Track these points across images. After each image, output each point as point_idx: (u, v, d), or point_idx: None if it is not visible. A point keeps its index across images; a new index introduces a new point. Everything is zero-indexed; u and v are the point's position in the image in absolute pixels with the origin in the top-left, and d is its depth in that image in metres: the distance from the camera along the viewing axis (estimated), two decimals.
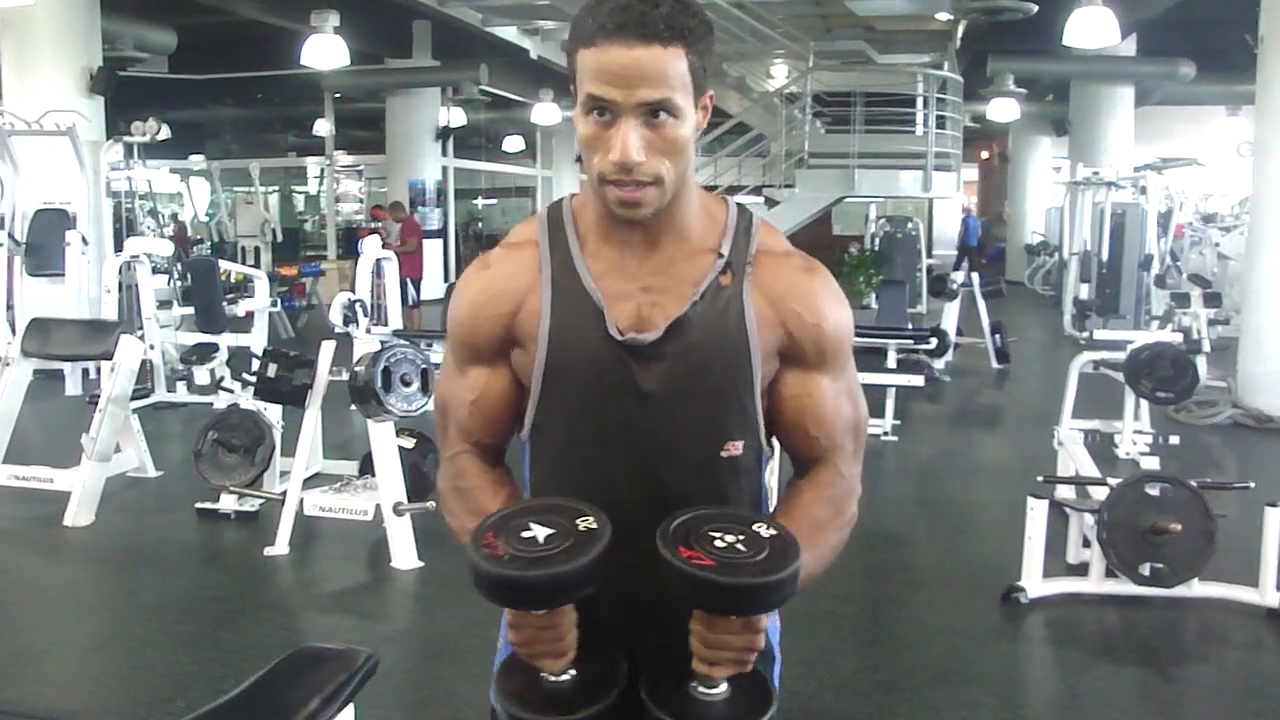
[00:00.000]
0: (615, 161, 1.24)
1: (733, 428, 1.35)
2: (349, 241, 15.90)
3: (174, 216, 14.94)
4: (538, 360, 1.34)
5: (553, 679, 1.29)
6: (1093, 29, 9.34)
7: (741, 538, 1.23)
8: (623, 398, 1.32)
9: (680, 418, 1.33)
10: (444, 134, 16.34)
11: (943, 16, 13.40)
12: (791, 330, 1.35)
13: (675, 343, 1.31)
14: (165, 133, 9.84)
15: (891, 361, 8.31)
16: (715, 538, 1.23)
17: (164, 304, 8.39)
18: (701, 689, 1.27)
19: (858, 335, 6.60)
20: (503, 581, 1.21)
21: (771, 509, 1.45)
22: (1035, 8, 10.43)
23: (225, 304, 8.79)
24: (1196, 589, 3.94)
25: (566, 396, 1.35)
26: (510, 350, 1.39)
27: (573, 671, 1.29)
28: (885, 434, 6.85)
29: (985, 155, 25.23)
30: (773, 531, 1.26)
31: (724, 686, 1.27)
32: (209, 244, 13.42)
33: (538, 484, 1.42)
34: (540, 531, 1.24)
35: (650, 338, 1.31)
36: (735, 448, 1.35)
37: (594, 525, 1.25)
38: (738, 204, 1.42)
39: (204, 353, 7.98)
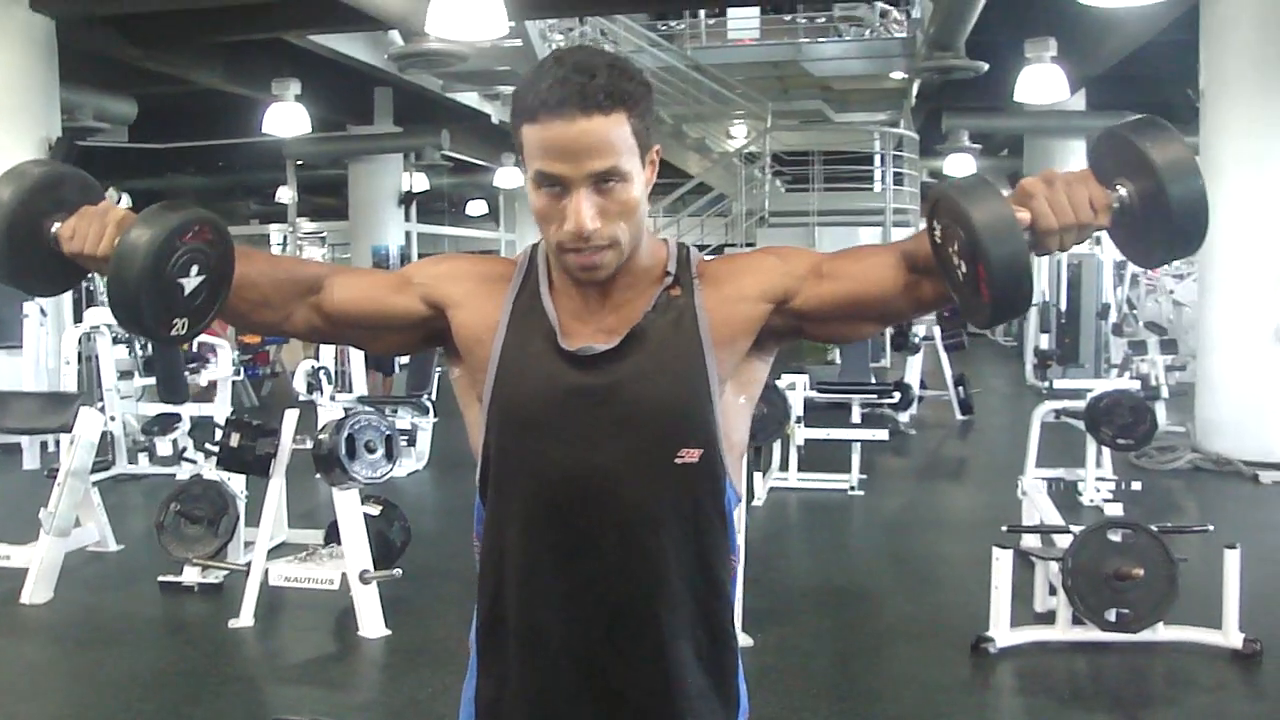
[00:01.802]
0: (571, 232, 1.28)
1: (687, 435, 1.35)
2: None
3: None
4: (489, 372, 1.37)
5: (50, 233, 1.28)
6: (1043, 85, 9.58)
7: (940, 225, 1.21)
8: (573, 409, 1.34)
9: (632, 425, 1.34)
10: (407, 199, 16.40)
11: (897, 76, 13.70)
12: (764, 285, 1.39)
13: (630, 353, 1.34)
14: (126, 202, 9.85)
15: (856, 416, 8.37)
16: (950, 252, 1.21)
17: (125, 374, 8.31)
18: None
19: (821, 391, 6.58)
20: (142, 218, 1.22)
21: (736, 549, 1.45)
22: (986, 66, 10.65)
23: (187, 374, 8.73)
24: (1161, 633, 3.97)
25: (515, 412, 1.36)
26: (427, 311, 1.43)
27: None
28: (851, 488, 6.88)
29: None
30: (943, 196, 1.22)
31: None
32: None
33: (490, 506, 1.41)
34: (191, 282, 1.25)
35: (603, 347, 1.34)
36: (691, 455, 1.35)
37: (180, 327, 1.26)
38: (675, 240, 1.48)
39: (166, 423, 7.90)
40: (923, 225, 1.35)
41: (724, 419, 1.37)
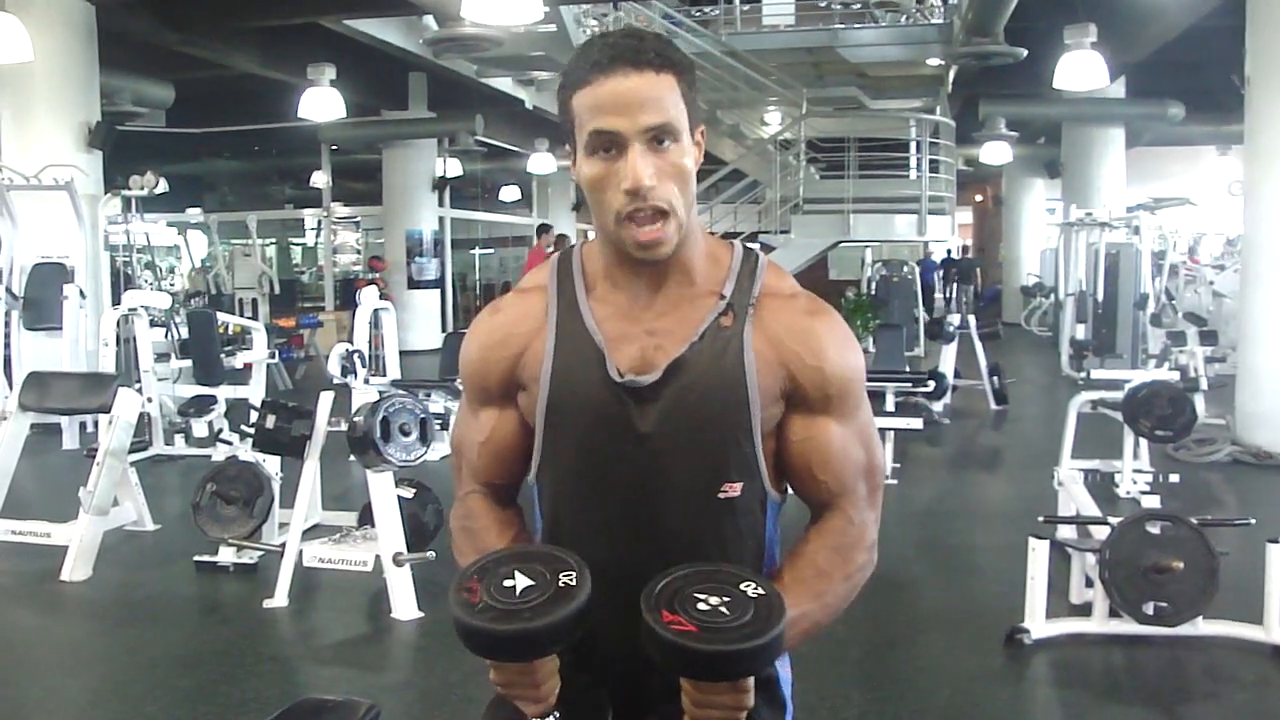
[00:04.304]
0: (628, 189, 1.25)
1: (730, 469, 1.33)
2: (346, 293, 15.96)
3: (171, 269, 14.99)
4: (539, 402, 1.36)
5: None
6: (1082, 72, 9.45)
7: (727, 599, 1.22)
8: (621, 439, 1.32)
9: (676, 459, 1.32)
10: (440, 184, 16.43)
11: (934, 62, 13.57)
12: (793, 372, 1.34)
13: (673, 384, 1.31)
14: (163, 186, 9.90)
15: (890, 404, 8.33)
16: (700, 599, 1.22)
17: (162, 357, 8.40)
18: None
19: None
20: (473, 631, 1.22)
21: (777, 558, 1.44)
22: (1025, 52, 10.54)
23: (223, 356, 8.80)
24: (1201, 627, 3.92)
25: (567, 438, 1.36)
26: (517, 392, 1.40)
27: (556, 715, 1.30)
28: (885, 477, 6.82)
29: (979, 198, 25.40)
30: (761, 591, 1.24)
31: None
32: (200, 294, 13.39)
33: (545, 524, 1.43)
34: (521, 582, 1.25)
35: (648, 380, 1.31)
36: (733, 489, 1.34)
37: (573, 582, 1.24)
38: (745, 246, 1.42)
39: (202, 405, 7.98)
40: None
41: (767, 448, 1.36)
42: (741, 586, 1.24)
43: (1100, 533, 4.16)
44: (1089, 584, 4.24)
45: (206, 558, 5.05)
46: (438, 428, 7.01)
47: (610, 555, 1.35)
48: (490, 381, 1.41)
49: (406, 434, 4.45)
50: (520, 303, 1.42)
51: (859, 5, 14.71)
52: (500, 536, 1.44)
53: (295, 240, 22.35)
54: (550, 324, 1.36)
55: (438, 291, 16.37)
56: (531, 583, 1.24)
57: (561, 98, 1.30)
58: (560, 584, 1.24)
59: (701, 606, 1.21)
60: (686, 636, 1.18)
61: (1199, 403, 6.97)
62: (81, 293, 8.57)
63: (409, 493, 4.88)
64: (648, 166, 1.25)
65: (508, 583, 1.25)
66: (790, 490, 1.44)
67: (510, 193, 21.71)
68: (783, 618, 1.20)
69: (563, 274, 1.40)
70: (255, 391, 8.18)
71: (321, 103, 10.70)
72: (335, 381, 6.82)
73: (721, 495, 1.33)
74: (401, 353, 9.36)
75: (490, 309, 1.46)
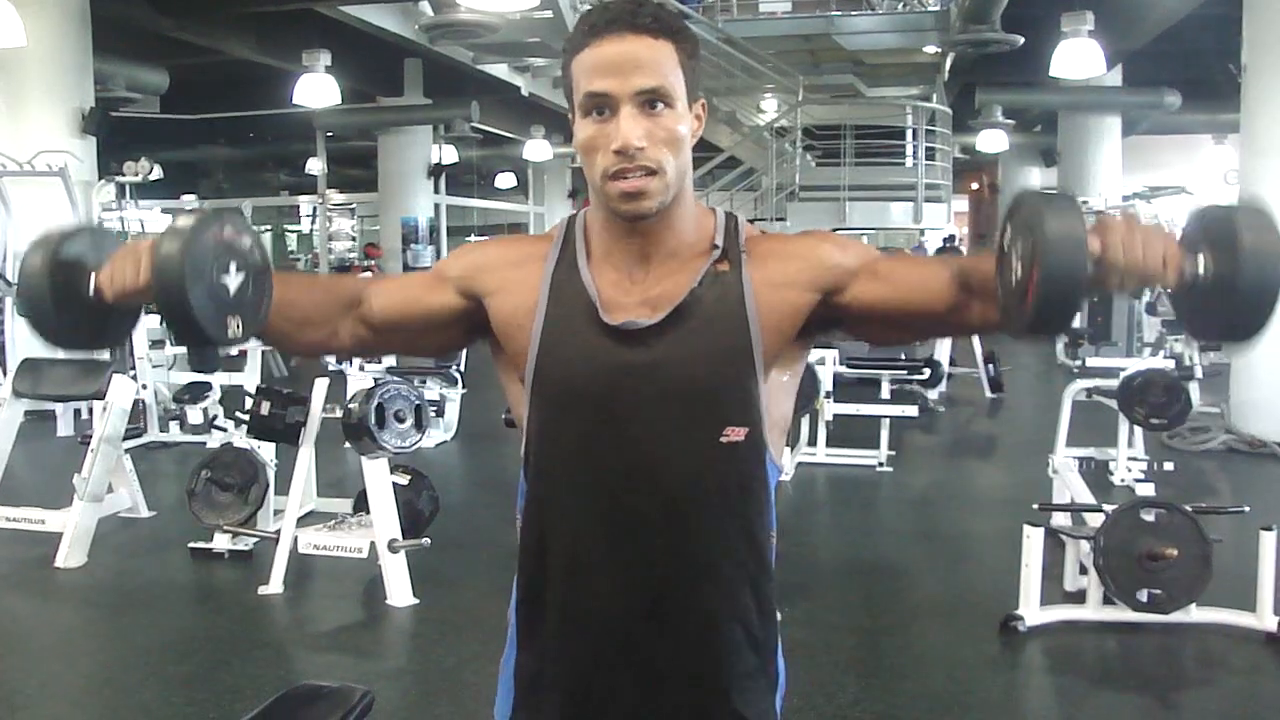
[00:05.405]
0: (616, 150, 1.25)
1: (733, 413, 1.32)
2: None
3: None
4: (530, 352, 1.34)
5: (91, 287, 1.26)
6: (1079, 60, 9.46)
7: (1012, 228, 1.18)
8: (618, 386, 1.31)
9: (678, 402, 1.31)
10: (436, 171, 16.40)
11: (930, 50, 13.53)
12: (815, 274, 1.35)
13: (674, 329, 1.31)
14: (157, 173, 9.85)
15: (885, 392, 8.33)
16: (1013, 255, 1.17)
17: (156, 343, 8.38)
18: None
19: (851, 366, 6.59)
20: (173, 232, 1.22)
21: (775, 524, 1.41)
22: (1022, 40, 10.53)
23: None
24: (1194, 614, 3.93)
25: (559, 390, 1.34)
26: (466, 303, 1.41)
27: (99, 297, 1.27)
28: (880, 465, 6.85)
29: (975, 186, 25.37)
30: (1025, 200, 1.19)
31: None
32: None
33: (534, 484, 1.39)
34: (233, 279, 1.24)
35: (647, 322, 1.31)
36: (736, 434, 1.32)
37: (236, 327, 1.24)
38: (723, 210, 1.44)
39: (197, 392, 7.96)
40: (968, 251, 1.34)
41: (768, 397, 1.34)
42: (1006, 225, 1.21)
43: (1095, 520, 4.17)
44: (1083, 571, 4.25)
45: (201, 544, 5.05)
46: (433, 414, 7.01)
47: (608, 510, 1.33)
48: (451, 272, 1.42)
49: (401, 420, 4.45)
50: (528, 242, 1.43)
51: None
52: (288, 285, 1.39)
53: (291, 227, 22.31)
54: (546, 273, 1.36)
55: None
56: (237, 284, 1.24)
57: (563, 64, 1.31)
58: (229, 327, 1.24)
59: (1020, 254, 1.16)
60: (1044, 259, 1.12)
61: (1194, 391, 6.98)
62: None
63: (404, 479, 4.87)
64: (637, 128, 1.25)
65: (227, 271, 1.23)
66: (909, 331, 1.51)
67: (506, 179, 21.68)
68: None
69: (568, 233, 1.40)
70: (250, 378, 8.16)
71: (317, 89, 10.68)
72: (330, 368, 6.82)
73: (724, 440, 1.32)
74: None
75: (511, 238, 1.49)
